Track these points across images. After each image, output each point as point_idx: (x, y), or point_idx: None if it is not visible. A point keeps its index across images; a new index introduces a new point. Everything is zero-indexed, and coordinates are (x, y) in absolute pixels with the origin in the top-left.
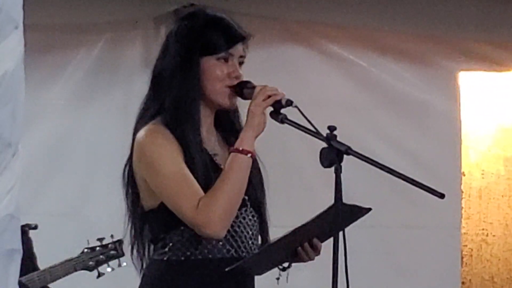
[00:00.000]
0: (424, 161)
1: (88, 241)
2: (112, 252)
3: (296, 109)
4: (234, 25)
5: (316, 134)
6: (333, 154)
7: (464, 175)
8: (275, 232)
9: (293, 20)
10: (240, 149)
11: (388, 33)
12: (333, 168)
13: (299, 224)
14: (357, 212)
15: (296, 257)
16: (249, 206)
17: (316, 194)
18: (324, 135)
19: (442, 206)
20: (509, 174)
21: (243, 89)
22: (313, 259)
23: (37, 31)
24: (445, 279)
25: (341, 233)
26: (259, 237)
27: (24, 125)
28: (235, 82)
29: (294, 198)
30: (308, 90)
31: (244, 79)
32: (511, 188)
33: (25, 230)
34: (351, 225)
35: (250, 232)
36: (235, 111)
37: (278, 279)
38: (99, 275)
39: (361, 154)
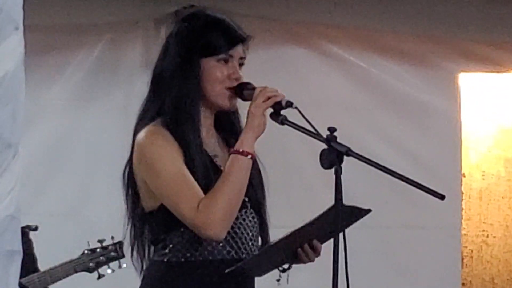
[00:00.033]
0: (424, 162)
1: (88, 242)
2: (113, 253)
3: (296, 110)
4: (234, 26)
5: (316, 135)
6: (333, 155)
7: (465, 176)
8: (275, 233)
9: (293, 21)
10: (240, 150)
11: (388, 34)
12: (333, 169)
13: (299, 225)
14: (357, 213)
15: (296, 259)
16: (249, 207)
17: (316, 195)
18: (324, 136)
19: (442, 207)
20: (509, 175)
21: (243, 90)
22: (313, 261)
23: (38, 31)
24: (446, 280)
25: (341, 234)
26: (259, 239)
27: (24, 125)
28: (235, 83)
29: (294, 199)
30: (308, 91)
31: (244, 80)
32: (511, 189)
33: (25, 231)
34: (351, 226)
35: (250, 234)
36: (235, 112)
37: (278, 280)
38: (100, 276)
39: (361, 156)
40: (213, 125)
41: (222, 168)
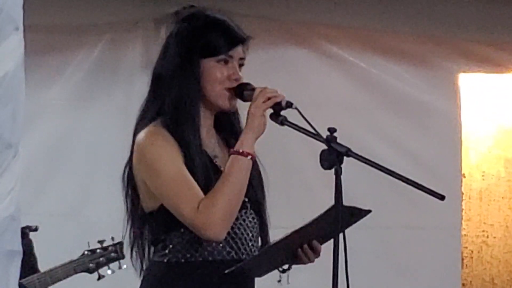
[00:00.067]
0: (424, 162)
1: (88, 243)
2: (113, 254)
3: (296, 111)
4: (234, 27)
5: (316, 136)
6: (333, 156)
7: (465, 176)
8: (275, 233)
9: (293, 21)
10: (240, 151)
11: (388, 34)
12: (333, 170)
13: (299, 226)
14: (357, 214)
15: (296, 259)
16: (249, 208)
17: (316, 195)
18: (324, 136)
19: (443, 207)
20: (509, 176)
21: (243, 91)
22: (312, 261)
23: (38, 31)
24: (446, 281)
25: (341, 234)
26: (259, 239)
27: (24, 125)
28: (235, 84)
29: (294, 199)
30: (308, 91)
31: (244, 80)
32: (511, 189)
33: (25, 231)
34: (351, 226)
35: (250, 234)
36: (235, 113)
37: (279, 281)
38: (100, 277)
39: (361, 156)
40: (213, 125)
41: (222, 168)
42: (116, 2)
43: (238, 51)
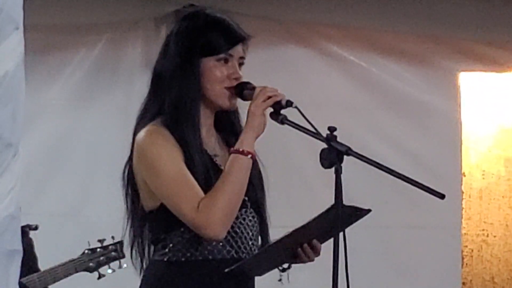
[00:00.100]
0: (424, 161)
1: (88, 242)
2: (113, 253)
3: (296, 110)
4: (234, 26)
5: (316, 135)
6: (333, 155)
7: (465, 175)
8: (275, 232)
9: (293, 21)
10: (241, 150)
11: (388, 33)
12: (333, 169)
13: (299, 225)
14: (357, 213)
15: (295, 258)
16: (249, 207)
17: (317, 194)
18: (324, 135)
19: (443, 206)
20: (509, 175)
21: (243, 90)
22: (312, 260)
23: (38, 31)
24: (446, 280)
25: (341, 234)
26: (259, 238)
27: (24, 125)
28: (235, 83)
29: (294, 198)
30: (308, 90)
31: (244, 80)
32: (511, 188)
33: (25, 230)
34: (351, 226)
35: (250, 233)
36: (235, 112)
37: (280, 280)
38: (100, 276)
39: (361, 155)
40: (213, 124)
41: (222, 167)
42: (116, 2)
43: (238, 50)
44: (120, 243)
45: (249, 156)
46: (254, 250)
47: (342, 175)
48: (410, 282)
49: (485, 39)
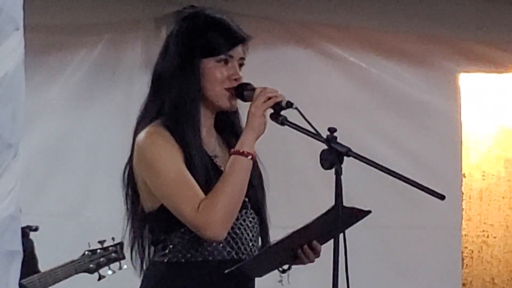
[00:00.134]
0: (424, 162)
1: (89, 243)
2: (113, 254)
3: (296, 111)
4: (234, 26)
5: (316, 135)
6: (334, 155)
7: (465, 176)
8: (276, 233)
9: (293, 21)
10: (241, 151)
11: (388, 34)
12: (333, 170)
13: (299, 226)
14: (357, 214)
15: (296, 259)
16: (249, 208)
17: (317, 195)
18: (325, 136)
19: (443, 207)
20: (509, 176)
21: (243, 91)
22: (312, 261)
23: (38, 31)
24: (446, 281)
25: (341, 234)
26: (259, 239)
27: (24, 125)
28: (235, 84)
29: (295, 199)
30: (309, 91)
31: (244, 80)
32: (511, 189)
33: (26, 231)
34: (351, 226)
35: (251, 234)
36: (235, 113)
37: (280, 281)
38: (100, 277)
39: (361, 156)
40: (213, 125)
41: (222, 168)
42: (116, 2)
43: (238, 51)
44: (120, 244)
45: (250, 157)
46: (254, 251)
47: (342, 176)
48: (410, 282)
49: (485, 39)
